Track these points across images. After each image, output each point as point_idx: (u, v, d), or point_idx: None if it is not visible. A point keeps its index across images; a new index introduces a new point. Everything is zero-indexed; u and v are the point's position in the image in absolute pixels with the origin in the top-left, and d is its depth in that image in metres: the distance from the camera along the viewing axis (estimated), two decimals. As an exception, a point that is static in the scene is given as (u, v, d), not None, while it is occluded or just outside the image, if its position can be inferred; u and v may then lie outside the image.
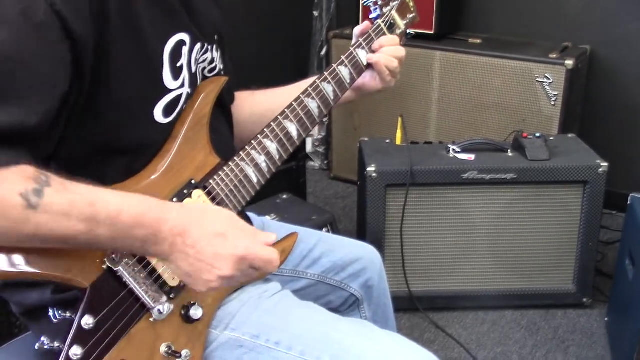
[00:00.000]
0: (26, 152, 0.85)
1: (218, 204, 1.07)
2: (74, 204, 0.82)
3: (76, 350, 0.85)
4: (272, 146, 1.16)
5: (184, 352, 0.97)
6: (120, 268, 0.91)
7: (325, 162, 3.47)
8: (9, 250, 0.83)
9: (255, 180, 1.14)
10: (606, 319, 2.25)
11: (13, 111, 0.82)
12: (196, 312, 0.98)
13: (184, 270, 0.91)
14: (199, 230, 0.91)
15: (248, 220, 1.31)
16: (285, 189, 2.29)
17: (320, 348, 1.04)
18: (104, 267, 0.91)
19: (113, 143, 0.98)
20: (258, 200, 2.10)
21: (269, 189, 2.18)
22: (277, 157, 1.17)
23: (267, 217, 1.50)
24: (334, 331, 1.06)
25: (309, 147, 3.44)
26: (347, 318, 1.15)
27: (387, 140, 2.38)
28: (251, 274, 0.95)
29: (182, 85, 1.04)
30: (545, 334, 2.23)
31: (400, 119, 2.33)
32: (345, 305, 1.43)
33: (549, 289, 2.32)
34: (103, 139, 0.97)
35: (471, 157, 2.22)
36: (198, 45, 1.07)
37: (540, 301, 2.34)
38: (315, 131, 3.43)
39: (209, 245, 0.90)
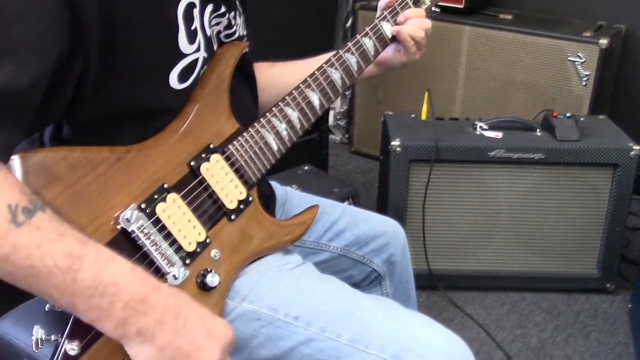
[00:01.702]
0: (15, 121, 0.80)
1: (237, 169, 1.04)
2: (64, 235, 0.75)
3: (88, 314, 0.82)
4: (294, 114, 1.12)
5: (199, 321, 0.93)
6: (134, 229, 0.88)
7: (346, 135, 3.41)
8: None
9: (275, 148, 1.10)
10: (630, 305, 2.19)
11: (4, 69, 0.77)
12: (213, 280, 0.95)
13: (165, 356, 0.79)
14: (189, 307, 0.83)
15: (270, 189, 1.27)
16: (307, 160, 2.25)
17: (341, 325, 1.00)
18: (118, 227, 0.87)
19: (127, 108, 0.94)
20: (279, 171, 2.06)
21: (290, 160, 2.14)
22: (298, 125, 1.13)
23: (289, 188, 1.46)
24: (357, 308, 1.02)
25: (330, 120, 3.38)
26: (371, 295, 1.10)
27: (412, 115, 2.33)
28: None
29: (198, 50, 0.99)
30: (566, 318, 2.19)
31: (427, 94, 2.28)
32: (367, 280, 1.40)
33: (571, 273, 2.27)
34: (117, 104, 0.93)
35: (498, 135, 2.16)
36: (209, 7, 1.01)
37: (562, 285, 2.28)
38: (337, 104, 3.37)
39: (200, 324, 0.83)
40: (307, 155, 2.34)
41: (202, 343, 0.81)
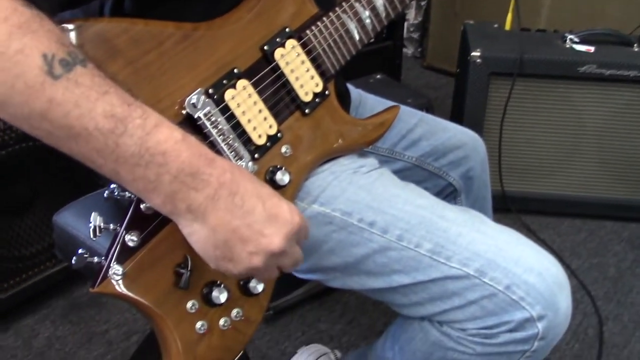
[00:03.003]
0: None
1: (314, 58, 0.93)
2: (106, 93, 0.65)
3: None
4: (379, 1, 1.00)
5: (266, 221, 0.86)
6: (200, 116, 0.79)
7: (419, 49, 3.25)
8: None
9: (357, 37, 0.98)
10: None
11: None
12: (282, 178, 0.87)
13: (219, 238, 0.70)
14: (250, 184, 0.72)
15: (346, 87, 1.16)
16: (379, 69, 2.12)
17: (420, 234, 0.91)
18: (183, 112, 0.79)
19: None
20: (350, 79, 1.95)
21: (362, 68, 2.02)
22: (383, 14, 1.01)
23: (362, 91, 1.35)
24: (439, 218, 0.93)
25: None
26: (455, 206, 1.00)
27: (495, 25, 2.16)
28: (288, 260, 0.76)
29: None
30: (649, 250, 2.05)
31: (512, 1, 2.09)
32: (442, 194, 1.30)
33: (658, 203, 2.11)
34: None
35: (590, 49, 1.98)
36: None
37: (646, 215, 2.14)
38: (412, 15, 3.19)
39: (260, 205, 0.71)
40: (380, 64, 2.21)
41: (261, 227, 0.71)
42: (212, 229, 0.70)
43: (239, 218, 0.70)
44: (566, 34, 2.04)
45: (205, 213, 0.69)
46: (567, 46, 2.01)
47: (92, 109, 0.63)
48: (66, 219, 1.05)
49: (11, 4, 0.61)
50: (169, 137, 0.67)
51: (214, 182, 0.69)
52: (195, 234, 0.71)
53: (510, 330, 0.89)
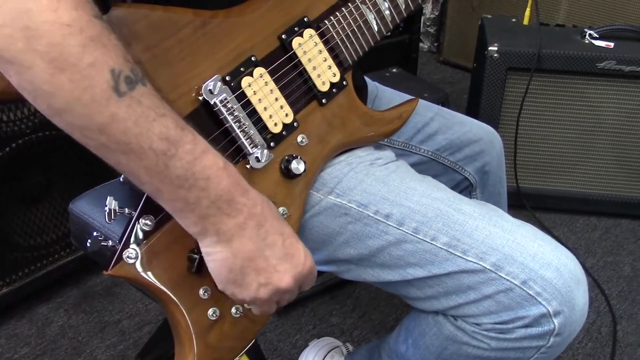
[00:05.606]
0: None
1: (332, 48, 0.92)
2: (163, 116, 0.66)
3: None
4: None
5: (281, 209, 0.86)
6: (217, 102, 0.79)
7: (435, 44, 3.23)
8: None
9: (375, 28, 0.97)
10: None
11: None
12: (298, 167, 0.86)
13: (236, 264, 0.73)
14: (275, 221, 0.76)
15: (363, 79, 1.16)
16: (395, 62, 2.11)
17: (437, 227, 0.90)
18: (200, 99, 0.79)
19: None
20: (367, 72, 1.94)
21: (378, 61, 2.01)
22: (402, 5, 1.00)
23: (379, 84, 1.34)
24: (455, 211, 0.92)
25: (419, 27, 3.20)
26: (472, 199, 0.99)
27: (513, 19, 2.14)
28: (287, 298, 0.80)
29: None
30: (665, 249, 2.03)
31: (532, -5, 2.07)
32: (457, 189, 1.28)
33: (675, 202, 2.09)
34: None
35: (610, 44, 1.96)
36: None
37: (664, 214, 2.12)
38: (428, 10, 3.17)
39: (281, 242, 0.75)
40: (396, 58, 2.20)
41: (276, 263, 0.75)
42: (233, 253, 0.73)
43: (259, 249, 0.74)
44: (585, 29, 2.02)
45: (231, 238, 0.72)
46: (586, 42, 1.98)
47: (150, 129, 0.65)
48: (82, 207, 1.04)
49: (85, 15, 0.62)
50: (214, 163, 0.70)
51: (246, 211, 0.72)
52: (216, 254, 0.73)
53: (526, 326, 0.88)
